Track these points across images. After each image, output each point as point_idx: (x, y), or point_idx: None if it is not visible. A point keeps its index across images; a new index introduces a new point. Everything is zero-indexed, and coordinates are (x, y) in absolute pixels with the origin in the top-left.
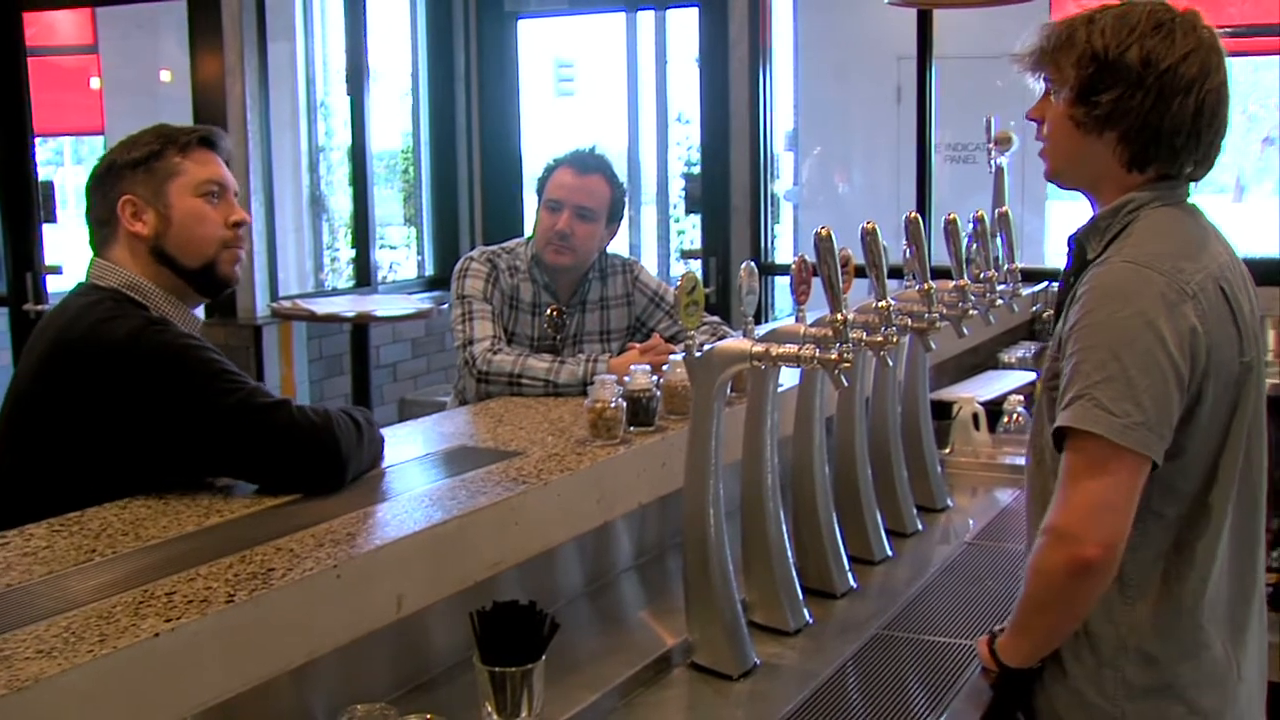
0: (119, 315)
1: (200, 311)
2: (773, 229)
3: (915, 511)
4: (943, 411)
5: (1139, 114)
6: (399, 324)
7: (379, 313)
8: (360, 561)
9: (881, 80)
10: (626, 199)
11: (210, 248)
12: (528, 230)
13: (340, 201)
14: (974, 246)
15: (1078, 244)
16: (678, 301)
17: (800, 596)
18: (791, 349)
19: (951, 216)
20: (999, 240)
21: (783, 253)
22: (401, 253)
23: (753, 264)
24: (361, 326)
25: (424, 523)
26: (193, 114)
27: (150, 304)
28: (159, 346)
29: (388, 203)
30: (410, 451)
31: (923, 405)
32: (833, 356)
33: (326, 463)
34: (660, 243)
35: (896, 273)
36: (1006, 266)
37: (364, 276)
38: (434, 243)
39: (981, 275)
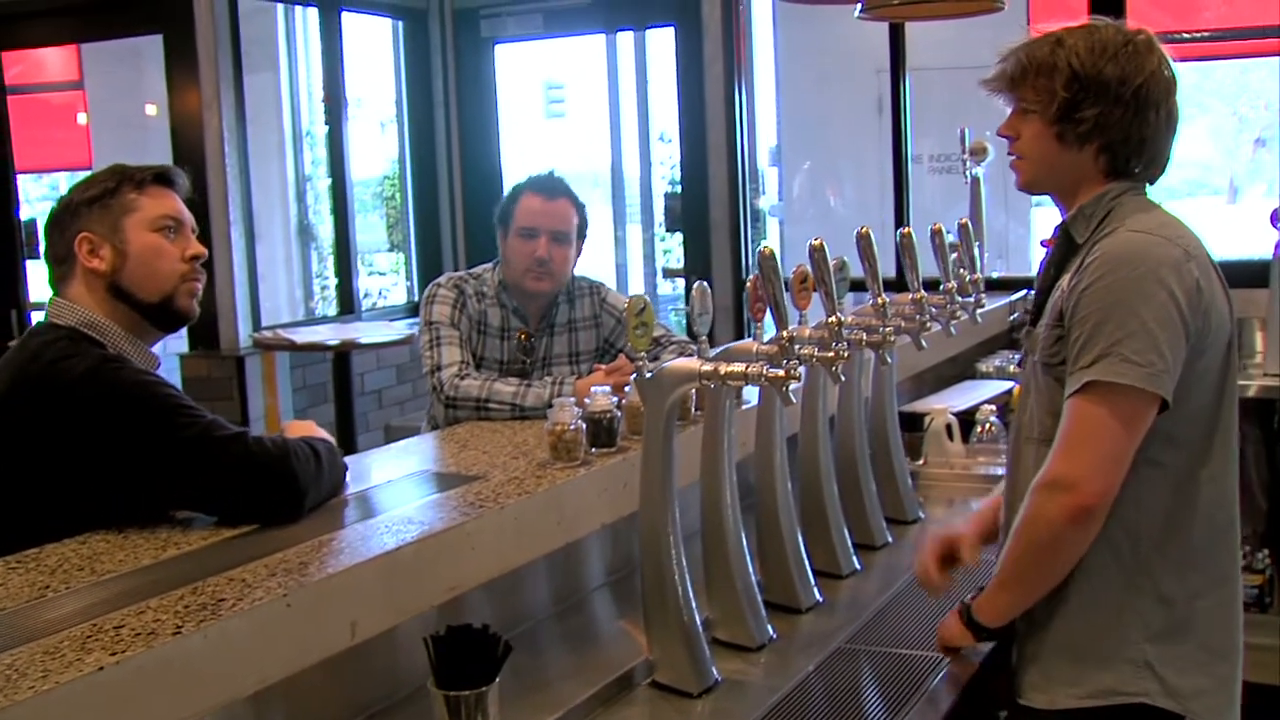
0: (75, 354)
1: (184, 343)
2: (757, 245)
3: (884, 524)
4: (914, 423)
5: (1120, 127)
6: (383, 351)
7: (361, 340)
8: (311, 590)
9: (863, 93)
10: (589, 220)
11: (168, 282)
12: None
13: (328, 229)
14: (954, 257)
15: (1064, 231)
16: (625, 323)
17: (763, 613)
18: (739, 367)
19: (906, 231)
20: (976, 250)
21: None
22: (390, 279)
23: (705, 284)
24: (343, 354)
25: (377, 550)
26: (171, 147)
27: (107, 341)
28: (115, 383)
29: (375, 229)
30: (374, 478)
31: (890, 417)
32: (780, 374)
33: (283, 493)
34: (646, 261)
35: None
36: (969, 277)
37: (348, 304)
38: (419, 268)
39: (941, 287)
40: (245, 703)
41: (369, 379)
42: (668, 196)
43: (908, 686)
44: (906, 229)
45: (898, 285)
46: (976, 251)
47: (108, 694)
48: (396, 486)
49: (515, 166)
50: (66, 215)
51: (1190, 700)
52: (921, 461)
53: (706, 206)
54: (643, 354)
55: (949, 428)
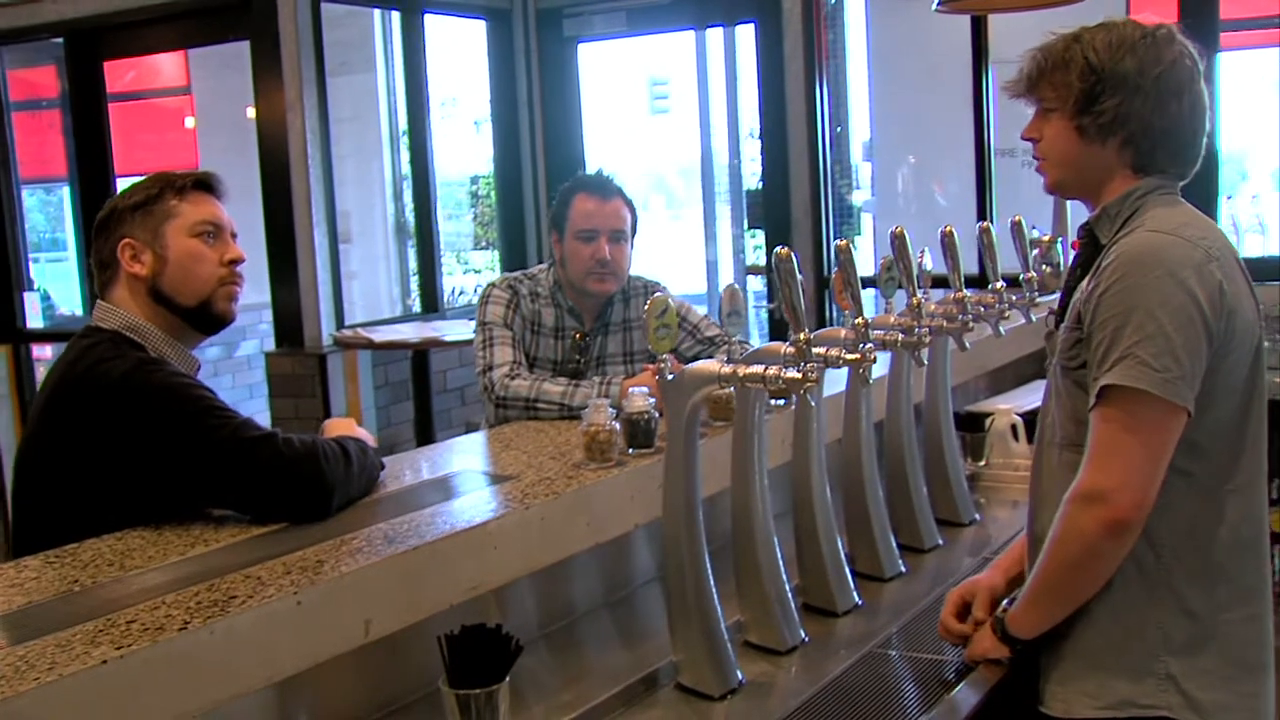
0: (115, 356)
1: (270, 341)
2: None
3: (935, 527)
4: (975, 423)
5: (1141, 117)
6: (465, 348)
7: (441, 337)
8: (323, 588)
9: (957, 87)
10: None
11: (206, 286)
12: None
13: None
14: (1034, 253)
15: (1089, 231)
16: (646, 325)
17: (795, 616)
18: (758, 369)
19: (948, 229)
20: (1058, 247)
21: (862, 264)
22: (485, 276)
23: (736, 285)
24: (421, 352)
25: (393, 549)
26: (258, 150)
27: (148, 344)
28: (150, 385)
29: (470, 227)
30: (412, 477)
31: (945, 418)
32: (797, 376)
33: (310, 492)
34: (735, 257)
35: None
36: (1022, 275)
37: (431, 302)
38: (503, 265)
39: (990, 286)
40: (270, 692)
41: (451, 376)
42: (749, 194)
43: (934, 691)
44: (948, 227)
45: (981, 282)
46: (1059, 247)
47: (110, 686)
48: (431, 485)
49: (608, 165)
50: (111, 221)
51: (1212, 716)
52: (983, 463)
53: (788, 203)
54: (665, 356)
55: (1013, 428)
